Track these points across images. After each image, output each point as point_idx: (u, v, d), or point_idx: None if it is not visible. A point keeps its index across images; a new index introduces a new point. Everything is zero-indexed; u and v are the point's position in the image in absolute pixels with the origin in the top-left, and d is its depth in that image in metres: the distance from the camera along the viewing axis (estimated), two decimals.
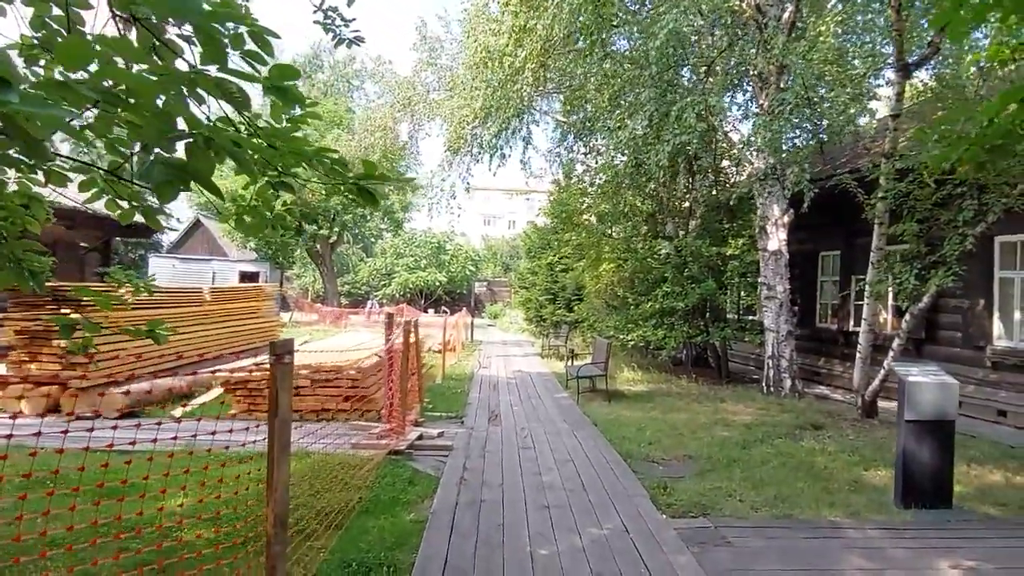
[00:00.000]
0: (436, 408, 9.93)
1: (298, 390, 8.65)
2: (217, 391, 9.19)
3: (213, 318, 12.35)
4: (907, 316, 8.44)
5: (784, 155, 10.73)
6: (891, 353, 8.81)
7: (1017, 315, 10.10)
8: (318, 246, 31.70)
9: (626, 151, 9.95)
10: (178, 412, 8.64)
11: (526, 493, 5.66)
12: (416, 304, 45.78)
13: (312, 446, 6.69)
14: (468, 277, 46.22)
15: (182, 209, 44.86)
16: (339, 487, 5.40)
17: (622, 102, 10.81)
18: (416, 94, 18.07)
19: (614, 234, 16.13)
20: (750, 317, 16.43)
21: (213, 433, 4.33)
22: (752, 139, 9.10)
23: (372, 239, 53.28)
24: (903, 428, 5.66)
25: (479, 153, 13.86)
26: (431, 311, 40.90)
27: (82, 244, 17.88)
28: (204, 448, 5.75)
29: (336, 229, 30.77)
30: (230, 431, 6.08)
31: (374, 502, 5.26)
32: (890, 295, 12.57)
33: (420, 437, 7.53)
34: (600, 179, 15.04)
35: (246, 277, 29.59)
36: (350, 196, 2.36)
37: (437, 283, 45.35)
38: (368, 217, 30.63)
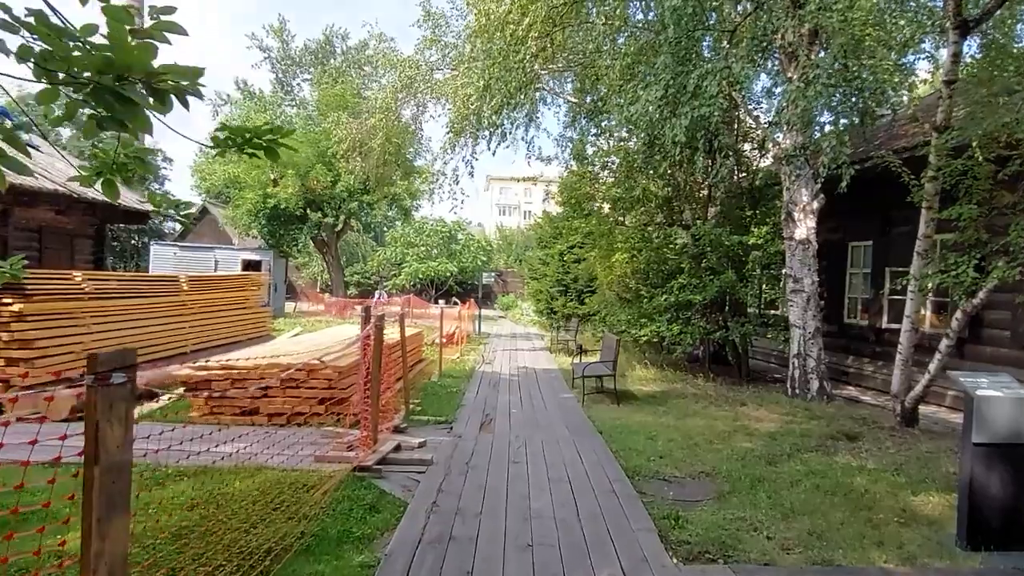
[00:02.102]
0: (425, 411, 9.00)
1: (265, 392, 7.75)
2: (180, 390, 8.31)
3: (192, 309, 11.49)
4: (957, 313, 7.36)
5: (819, 129, 9.66)
6: (937, 355, 7.74)
7: None
8: (323, 235, 30.87)
9: (639, 127, 8.89)
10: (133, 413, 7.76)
11: (508, 525, 4.69)
12: (427, 295, 45.05)
13: (272, 459, 5.80)
14: (480, 268, 45.27)
15: (189, 197, 44.26)
16: (283, 517, 4.48)
17: (635, 72, 9.76)
18: (419, 73, 17.07)
19: (627, 222, 15.06)
20: (772, 312, 15.35)
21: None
22: (782, 112, 8.00)
23: (384, 228, 52.56)
24: (969, 452, 4.63)
25: (479, 131, 12.83)
26: (441, 302, 40.12)
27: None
28: (147, 462, 4.88)
29: (342, 217, 29.89)
30: (181, 442, 5.26)
31: (319, 538, 4.32)
32: (929, 289, 11.48)
33: (397, 448, 6.59)
34: (612, 162, 14.00)
35: (249, 266, 28.77)
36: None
37: (448, 273, 44.51)
38: (373, 205, 29.71)
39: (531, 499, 5.29)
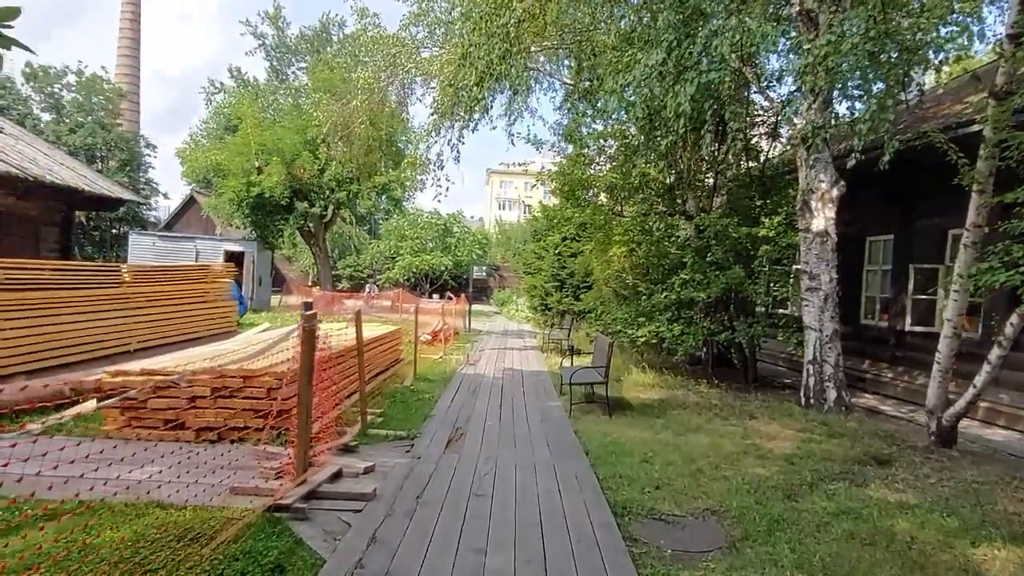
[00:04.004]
0: (388, 423, 7.82)
1: (193, 402, 6.57)
2: (91, 402, 7.10)
3: (137, 303, 10.29)
4: (1013, 318, 6.16)
5: (840, 106, 8.47)
6: (986, 366, 6.55)
7: None
8: (310, 225, 29.64)
9: (637, 98, 7.68)
10: (37, 427, 6.58)
11: None
12: (421, 289, 43.91)
13: (179, 491, 4.65)
14: (475, 262, 44.12)
15: (178, 185, 43.38)
16: None
17: (633, 40, 8.55)
18: (404, 51, 15.83)
19: (625, 212, 13.86)
20: (781, 312, 14.16)
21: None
22: (806, 75, 6.77)
23: (379, 220, 51.34)
24: None
25: (456, 104, 11.60)
26: (435, 296, 38.95)
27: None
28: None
29: (330, 207, 28.66)
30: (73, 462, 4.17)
31: None
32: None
33: (336, 476, 5.41)
34: (608, 145, 12.78)
35: (232, 257, 27.59)
36: None
37: (443, 267, 43.35)
38: (360, 194, 28.46)
39: (488, 554, 4.10)
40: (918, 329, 11.27)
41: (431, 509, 4.83)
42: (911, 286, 11.38)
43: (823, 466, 6.45)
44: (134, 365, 7.38)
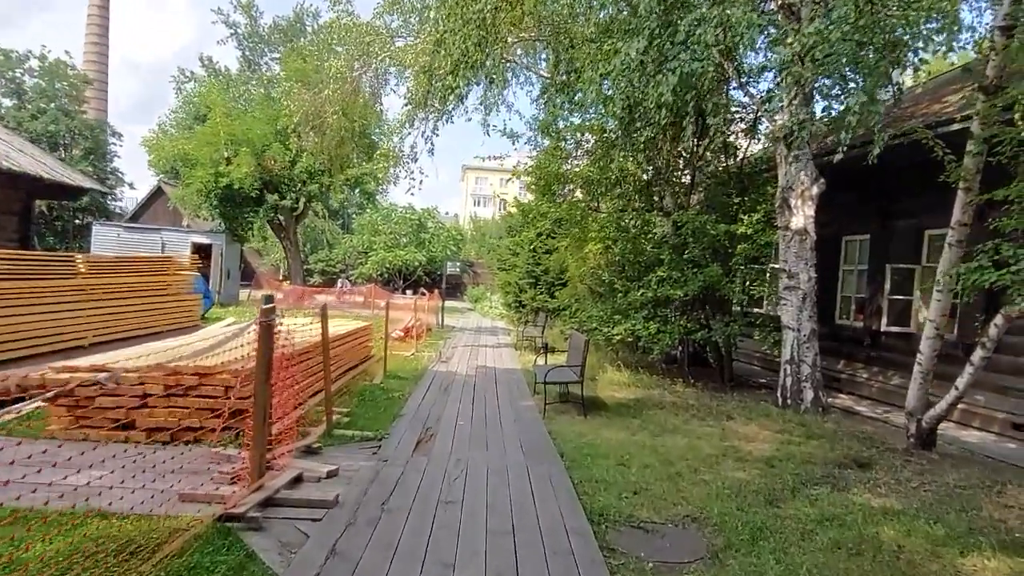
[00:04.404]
0: (355, 423, 7.47)
1: (144, 400, 6.18)
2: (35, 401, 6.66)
3: (93, 295, 9.80)
4: (997, 319, 6.03)
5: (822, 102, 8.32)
6: (968, 367, 6.42)
7: None
8: (280, 218, 29.01)
9: (618, 89, 7.41)
10: None
11: None
12: (394, 285, 43.41)
13: (124, 497, 4.29)
14: (449, 258, 43.70)
15: (145, 175, 42.31)
16: None
17: (613, 31, 8.30)
18: (378, 40, 15.42)
19: (602, 208, 13.63)
20: (755, 310, 14.07)
21: None
22: (792, 68, 6.55)
23: (353, 215, 50.66)
24: None
25: (429, 92, 11.25)
26: (409, 292, 38.48)
27: None
28: None
29: (301, 200, 28.06)
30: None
31: None
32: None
33: (297, 480, 5.08)
34: (586, 140, 12.55)
35: (200, 249, 26.87)
36: None
37: (417, 263, 42.89)
38: (331, 187, 27.90)
39: (457, 568, 3.81)
40: (894, 329, 11.22)
41: (397, 517, 4.52)
42: (887, 286, 11.33)
43: (804, 469, 6.28)
44: (85, 360, 6.96)
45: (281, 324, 5.62)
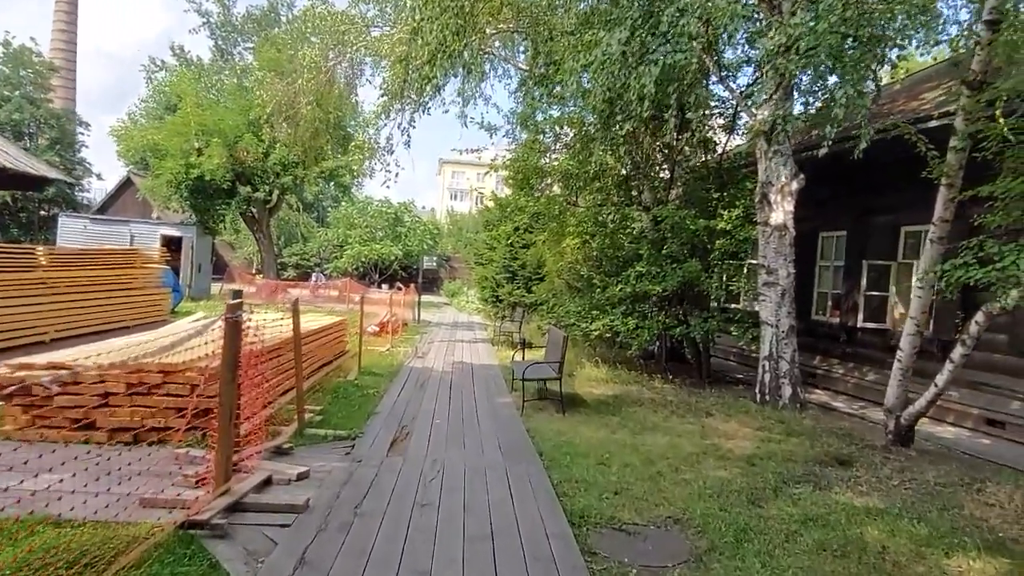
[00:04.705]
0: (328, 421, 7.26)
1: (105, 400, 5.91)
2: None
3: (55, 288, 9.43)
4: (978, 316, 6.00)
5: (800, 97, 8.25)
6: (949, 364, 6.40)
7: None
8: (253, 210, 28.46)
9: (598, 80, 7.24)
10: None
11: None
12: (370, 279, 42.97)
13: (87, 502, 4.05)
14: (426, 252, 43.34)
15: (113, 165, 41.32)
16: None
17: (593, 22, 8.15)
18: (353, 28, 15.11)
19: (580, 202, 13.50)
20: (732, 306, 14.06)
21: None
22: (775, 59, 6.43)
23: (328, 208, 50.02)
24: None
25: (405, 82, 10.99)
26: (385, 287, 38.09)
27: None
28: None
29: (275, 192, 27.55)
30: None
31: None
32: (914, 283, 10.28)
33: (266, 483, 4.87)
34: (565, 133, 12.40)
35: (170, 242, 26.29)
36: None
37: (393, 257, 42.46)
38: (305, 179, 27.41)
39: None
40: (870, 325, 11.25)
41: (370, 522, 4.34)
42: (864, 282, 11.35)
43: (785, 468, 6.22)
44: (44, 357, 6.66)
45: (250, 320, 5.41)
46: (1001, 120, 5.60)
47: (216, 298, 26.34)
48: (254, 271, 40.70)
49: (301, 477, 5.10)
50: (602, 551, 4.24)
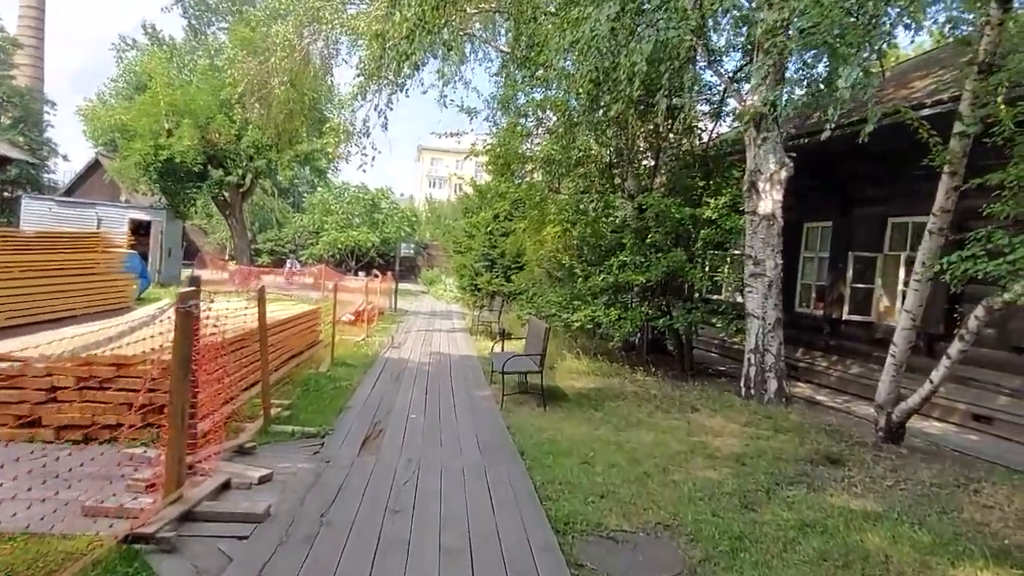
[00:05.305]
0: (297, 416, 6.86)
1: (52, 395, 5.46)
2: None
3: (9, 273, 8.88)
4: (978, 311, 5.77)
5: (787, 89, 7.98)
6: (945, 360, 6.18)
7: None
8: (226, 194, 27.70)
9: (586, 57, 6.86)
10: None
11: None
12: (346, 266, 42.33)
13: (16, 513, 3.65)
14: (403, 239, 42.74)
15: (80, 145, 40.09)
16: None
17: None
18: (328, 5, 14.54)
19: (562, 189, 13.16)
20: (715, 297, 13.85)
21: None
22: (778, 32, 6.09)
23: (304, 193, 49.11)
24: None
25: (382, 59, 10.50)
26: (361, 274, 37.50)
27: None
28: None
29: (248, 176, 26.83)
30: None
31: None
32: (902, 276, 10.11)
33: (223, 487, 4.48)
34: (547, 118, 12.03)
35: (139, 226, 25.49)
36: None
37: (370, 244, 41.82)
38: (277, 163, 26.67)
39: None
40: (855, 318, 11.08)
41: (337, 533, 3.97)
42: (849, 274, 11.16)
43: (776, 467, 5.96)
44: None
45: (209, 309, 5.00)
46: (1003, 107, 5.36)
47: (186, 284, 25.61)
48: (227, 257, 39.83)
49: (263, 480, 4.71)
50: (589, 562, 3.93)
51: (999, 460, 6.86)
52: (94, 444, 5.33)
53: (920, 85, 10.08)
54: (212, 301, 5.16)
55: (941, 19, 5.81)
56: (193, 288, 4.07)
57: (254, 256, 38.17)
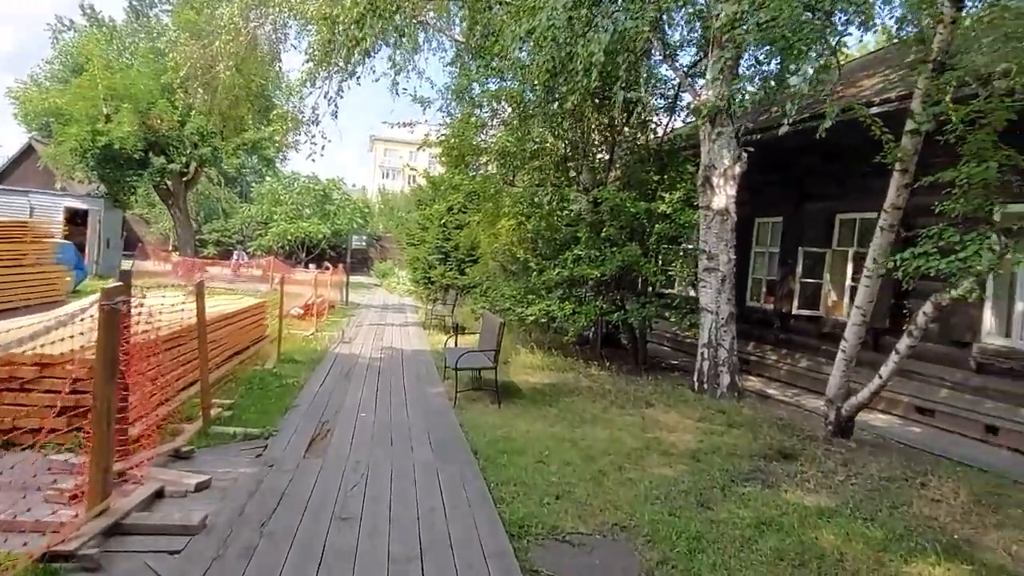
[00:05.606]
0: (240, 416, 6.55)
1: None
2: None
3: None
4: (926, 307, 5.85)
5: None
6: (894, 355, 6.26)
7: (1020, 306, 7.91)
8: (168, 183, 26.68)
9: (542, 47, 6.71)
10: None
11: None
12: (296, 258, 41.43)
13: None
14: (356, 231, 42.00)
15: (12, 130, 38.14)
16: None
17: None
18: None
19: (517, 182, 13.01)
20: (668, 291, 13.92)
21: None
22: (736, 28, 6.04)
23: (252, 182, 47.82)
24: None
25: (333, 46, 10.15)
26: (311, 266, 36.71)
27: None
28: None
29: (192, 164, 25.87)
30: None
31: None
32: (849, 271, 10.28)
33: (156, 496, 4.20)
34: (502, 109, 11.84)
35: (75, 215, 24.37)
36: None
37: (321, 236, 40.97)
38: (222, 151, 25.81)
39: None
40: (803, 312, 11.24)
41: (279, 544, 3.73)
42: (799, 269, 11.31)
43: (731, 463, 5.95)
44: None
45: (141, 305, 4.69)
46: (950, 106, 5.41)
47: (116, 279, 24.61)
48: (170, 248, 38.51)
49: (200, 487, 4.43)
50: (544, 568, 3.80)
51: (943, 453, 7.01)
52: (15, 451, 4.97)
53: (868, 84, 10.24)
54: (144, 296, 4.85)
55: (889, 20, 5.78)
56: (121, 283, 3.77)
57: (199, 247, 36.99)
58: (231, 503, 4.27)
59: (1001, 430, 7.72)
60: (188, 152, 25.53)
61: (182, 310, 6.36)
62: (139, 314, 4.76)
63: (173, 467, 4.81)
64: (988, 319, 8.15)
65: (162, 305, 5.69)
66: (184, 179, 27.11)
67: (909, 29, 7.03)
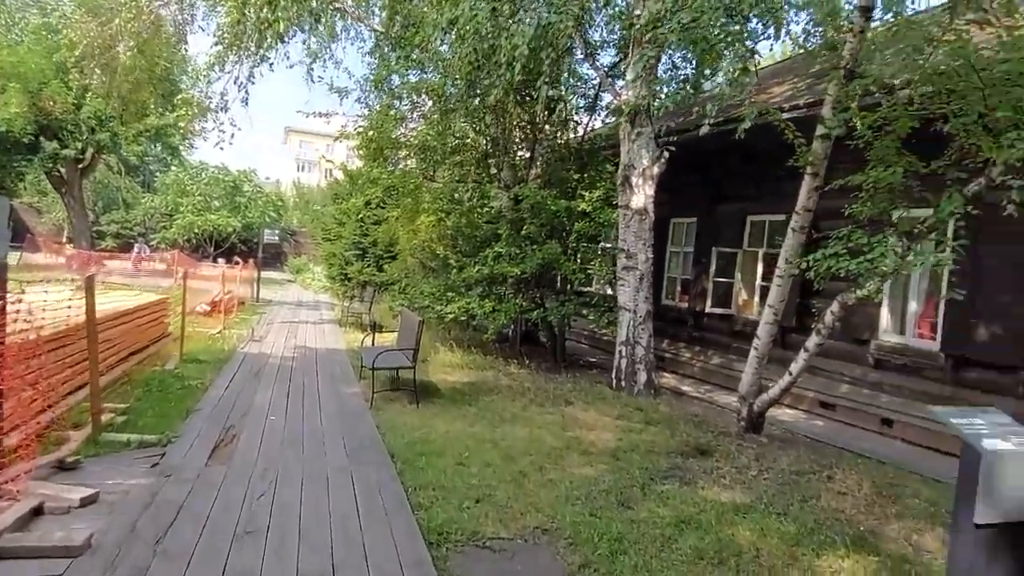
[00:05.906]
0: (135, 422, 6.07)
1: None
2: None
3: None
4: (833, 306, 6.07)
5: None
6: (803, 353, 6.46)
7: (913, 306, 8.37)
8: (62, 170, 24.84)
9: (464, 39, 6.55)
10: None
11: None
12: (204, 252, 39.53)
13: None
14: (268, 225, 40.44)
15: None
16: None
17: None
18: None
19: (437, 178, 12.79)
20: (586, 289, 14.05)
21: None
22: (658, 28, 6.06)
23: (155, 171, 45.30)
24: (965, 537, 3.00)
25: (246, 32, 9.62)
26: (220, 261, 35.10)
27: None
28: None
29: (89, 150, 24.16)
30: None
31: None
32: (760, 271, 10.64)
33: (35, 513, 3.78)
34: (422, 102, 11.60)
35: None
36: None
37: (230, 229, 39.19)
38: (122, 136, 24.25)
39: None
40: (716, 311, 11.56)
41: (174, 564, 3.42)
42: (712, 269, 11.62)
43: (649, 461, 5.98)
44: None
45: (20, 301, 4.24)
46: (858, 113, 5.64)
47: (12, 269, 22.74)
48: (64, 240, 35.93)
49: (86, 502, 4.03)
50: None
51: (846, 446, 7.33)
52: None
53: (778, 91, 10.61)
54: (23, 291, 4.39)
55: (797, 28, 5.97)
56: None
57: (96, 239, 34.70)
58: (121, 519, 3.90)
59: (896, 423, 8.15)
60: (84, 137, 23.82)
61: (69, 307, 5.83)
62: (16, 311, 4.32)
63: (55, 480, 4.37)
64: (885, 318, 8.59)
65: (45, 302, 5.18)
66: (80, 166, 25.28)
67: (816, 40, 7.35)
